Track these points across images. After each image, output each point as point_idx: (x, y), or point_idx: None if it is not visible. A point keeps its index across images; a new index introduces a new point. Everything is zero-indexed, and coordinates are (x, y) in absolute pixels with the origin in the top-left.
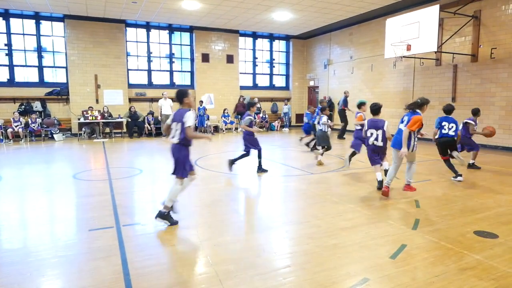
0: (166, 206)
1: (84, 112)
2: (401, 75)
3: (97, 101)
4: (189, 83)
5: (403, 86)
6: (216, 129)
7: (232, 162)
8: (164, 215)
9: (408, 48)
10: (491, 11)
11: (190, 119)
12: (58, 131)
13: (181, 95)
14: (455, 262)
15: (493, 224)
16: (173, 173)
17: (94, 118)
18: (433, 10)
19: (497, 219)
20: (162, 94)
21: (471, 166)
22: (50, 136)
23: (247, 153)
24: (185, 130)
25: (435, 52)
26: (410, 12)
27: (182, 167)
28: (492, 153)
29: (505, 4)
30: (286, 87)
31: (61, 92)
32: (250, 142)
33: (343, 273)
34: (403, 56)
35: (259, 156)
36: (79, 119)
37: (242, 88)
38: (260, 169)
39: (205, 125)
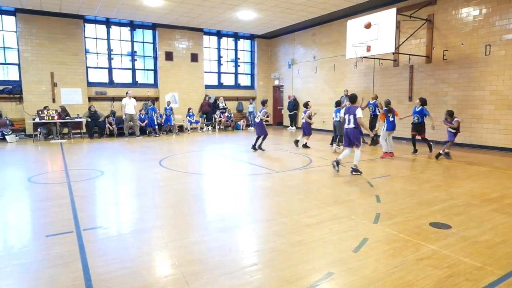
0: (355, 165)
1: (40, 112)
2: (362, 75)
3: (53, 100)
4: (152, 82)
5: (363, 86)
6: (181, 128)
7: (258, 147)
8: (356, 169)
9: (368, 49)
10: (443, 15)
11: (359, 113)
12: (10, 132)
13: (354, 98)
14: (413, 253)
15: (446, 216)
16: (351, 146)
17: (50, 118)
18: (391, 13)
19: (450, 211)
20: (126, 93)
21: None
22: (2, 137)
23: (263, 137)
24: (357, 119)
25: (393, 53)
26: (369, 14)
27: (358, 140)
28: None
29: (455, 9)
30: (251, 86)
31: (13, 91)
32: (262, 129)
33: (308, 268)
34: (364, 57)
35: (263, 139)
36: (34, 119)
37: (207, 87)
38: (260, 148)
39: (172, 124)
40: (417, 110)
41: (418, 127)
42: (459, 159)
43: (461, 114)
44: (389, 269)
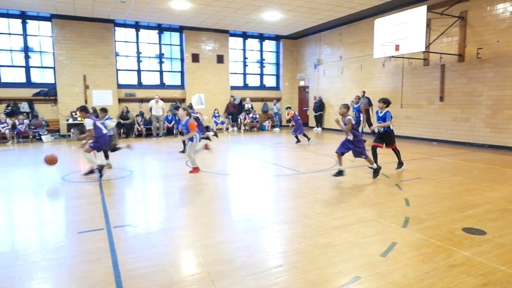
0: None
1: (73, 113)
2: (390, 75)
3: (86, 101)
4: (179, 83)
5: (391, 86)
6: (207, 129)
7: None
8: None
9: (397, 48)
10: (477, 11)
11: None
12: (46, 132)
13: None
14: (445, 259)
15: (481, 221)
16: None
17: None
18: (421, 11)
19: (485, 216)
20: (155, 97)
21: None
22: (38, 137)
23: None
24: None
25: (423, 52)
26: (398, 12)
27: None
28: (479, 151)
29: (490, 5)
30: (277, 87)
31: (49, 93)
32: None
33: (335, 271)
34: (392, 56)
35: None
36: (67, 120)
37: (232, 88)
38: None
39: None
40: (380, 115)
41: (385, 137)
42: (494, 162)
43: (497, 115)
44: (419, 274)
